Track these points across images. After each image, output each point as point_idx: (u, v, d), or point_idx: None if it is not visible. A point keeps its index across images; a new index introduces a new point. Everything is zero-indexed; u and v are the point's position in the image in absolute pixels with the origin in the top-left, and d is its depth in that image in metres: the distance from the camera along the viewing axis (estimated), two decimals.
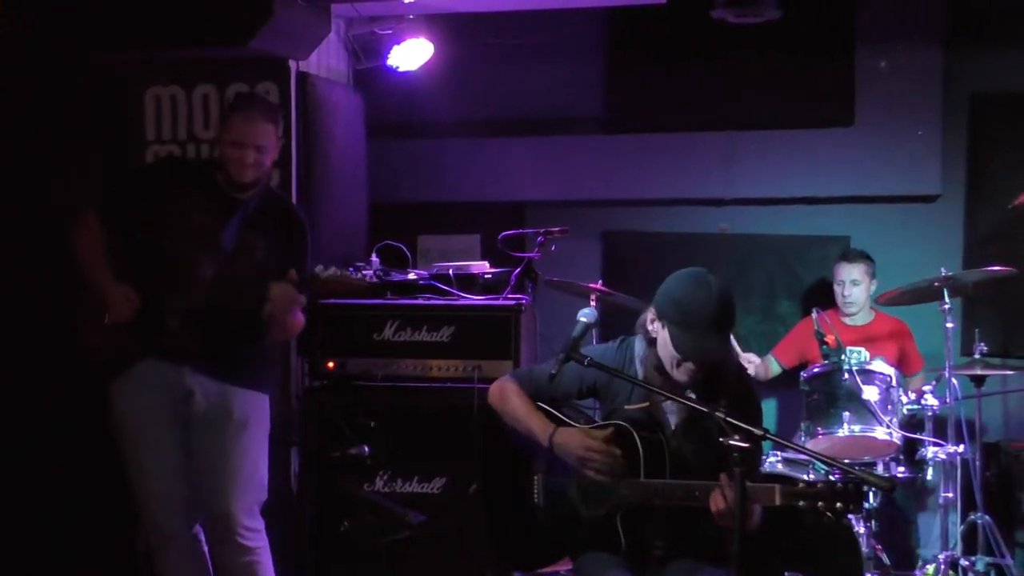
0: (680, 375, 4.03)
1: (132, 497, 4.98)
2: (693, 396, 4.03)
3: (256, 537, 5.05)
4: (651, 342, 4.11)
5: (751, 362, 6.71)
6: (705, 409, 3.62)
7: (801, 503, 3.53)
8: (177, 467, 4.95)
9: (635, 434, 4.00)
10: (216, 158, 5.02)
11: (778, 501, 3.58)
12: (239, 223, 4.99)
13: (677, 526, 4.06)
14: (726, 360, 4.13)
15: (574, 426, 4.19)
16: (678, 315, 3.96)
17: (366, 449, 5.15)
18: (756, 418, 4.08)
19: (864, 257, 6.84)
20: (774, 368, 7.03)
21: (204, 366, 4.95)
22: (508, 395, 4.32)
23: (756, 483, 3.70)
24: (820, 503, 3.50)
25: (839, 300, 6.86)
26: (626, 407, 4.14)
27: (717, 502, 3.72)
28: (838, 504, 3.48)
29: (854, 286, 6.79)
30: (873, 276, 6.83)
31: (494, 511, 4.37)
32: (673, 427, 4.12)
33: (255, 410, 5.08)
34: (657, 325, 4.05)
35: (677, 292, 4.01)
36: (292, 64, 6.12)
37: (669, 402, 4.11)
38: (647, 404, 4.12)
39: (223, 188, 4.97)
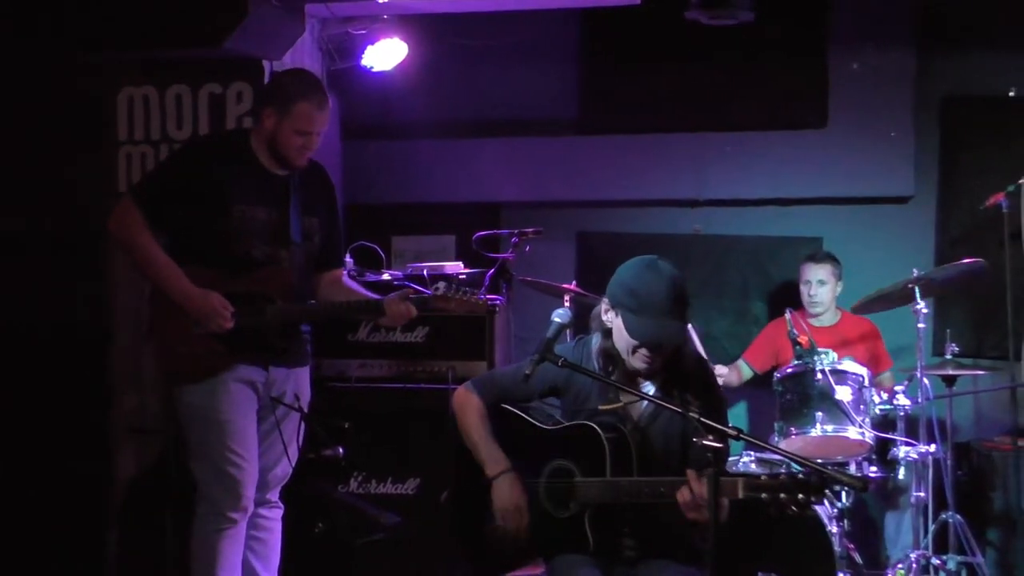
0: (636, 362, 4.03)
1: (208, 483, 4.93)
2: (661, 394, 4.04)
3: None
4: (607, 333, 4.12)
5: (719, 374, 6.67)
6: (679, 410, 3.62)
7: (764, 495, 3.53)
8: (257, 452, 5.02)
9: (602, 435, 4.01)
10: (256, 135, 4.98)
11: (741, 494, 3.58)
12: (296, 209, 5.00)
13: (646, 525, 4.06)
14: (685, 348, 4.14)
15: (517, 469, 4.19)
16: (631, 301, 3.97)
17: (340, 450, 5.13)
18: (722, 412, 4.11)
19: (831, 258, 6.91)
20: (745, 373, 7.06)
21: (283, 360, 5.05)
22: (468, 410, 4.31)
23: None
24: (783, 495, 3.50)
25: (805, 300, 6.90)
26: (600, 408, 4.14)
27: (683, 494, 3.73)
28: (800, 496, 3.48)
29: (820, 286, 6.84)
30: (839, 278, 6.87)
31: (464, 514, 4.37)
32: (636, 419, 4.13)
33: (308, 384, 5.25)
34: (611, 315, 4.06)
35: (628, 279, 4.02)
36: (266, 64, 6.04)
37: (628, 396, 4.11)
38: (621, 405, 4.12)
39: (268, 167, 4.97)
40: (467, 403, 4.33)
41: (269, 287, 4.91)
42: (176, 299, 4.82)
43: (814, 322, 6.86)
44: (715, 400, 4.12)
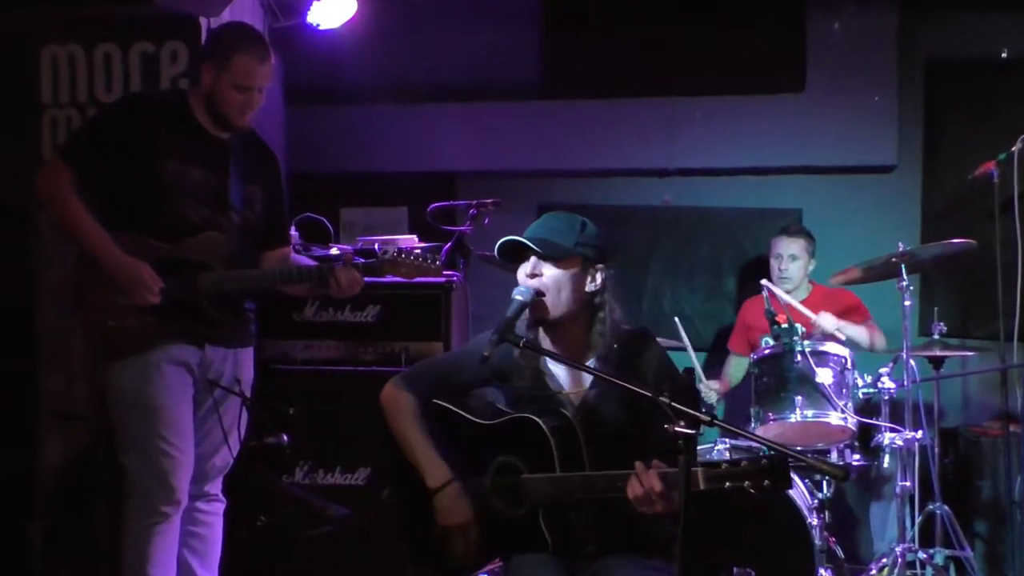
0: (535, 310, 4.00)
1: (137, 474, 4.81)
2: (612, 373, 3.95)
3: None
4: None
5: (712, 388, 6.60)
6: (648, 394, 3.54)
7: (727, 485, 3.45)
8: (193, 440, 4.92)
9: (544, 428, 3.92)
10: (194, 94, 4.90)
11: (703, 485, 3.51)
12: (236, 175, 4.94)
13: (606, 518, 3.98)
14: (607, 317, 4.07)
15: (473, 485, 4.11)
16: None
17: (284, 438, 5.07)
18: (690, 391, 4.06)
19: (805, 233, 6.87)
20: (738, 367, 6.95)
21: (223, 337, 4.97)
22: (400, 410, 4.22)
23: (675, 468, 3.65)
24: (746, 483, 3.43)
25: (774, 275, 6.83)
26: (560, 394, 4.07)
27: (634, 488, 3.65)
28: (765, 482, 3.42)
29: (792, 261, 6.79)
30: (812, 255, 6.83)
31: (409, 514, 4.29)
32: (579, 403, 4.06)
33: (250, 366, 5.18)
34: None
35: None
36: (203, 22, 5.97)
37: (568, 381, 4.10)
38: (584, 389, 4.05)
39: (208, 129, 4.89)
40: (398, 402, 4.23)
41: (206, 254, 4.83)
42: (104, 267, 4.73)
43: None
44: (676, 377, 4.09)
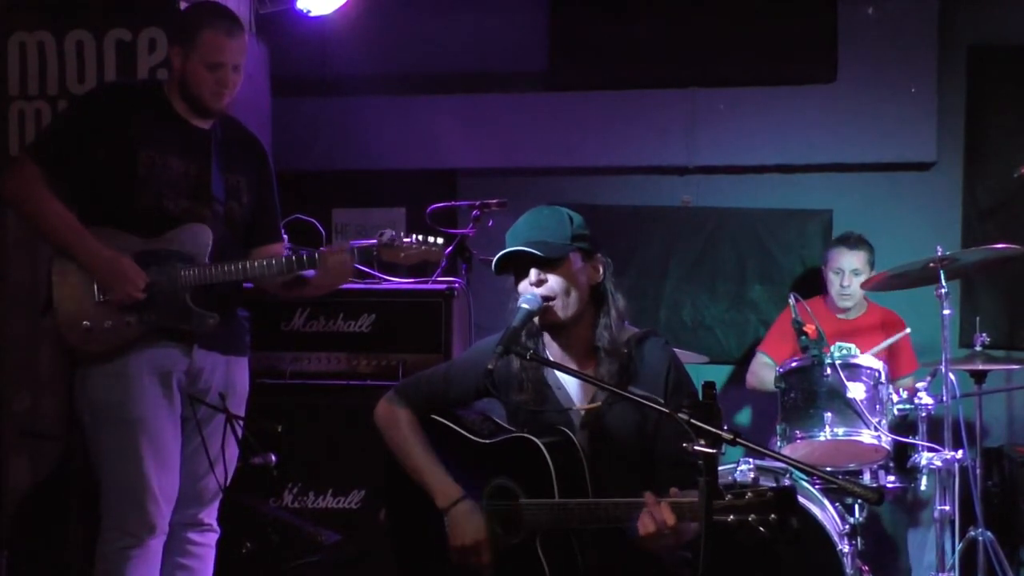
0: (544, 317, 4.03)
1: (111, 495, 4.81)
2: (640, 392, 3.94)
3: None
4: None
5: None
6: (666, 409, 3.56)
7: (731, 518, 3.48)
8: (177, 460, 4.91)
9: (542, 447, 3.95)
10: (170, 82, 4.94)
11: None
12: (218, 164, 4.95)
13: (608, 543, 4.00)
14: (602, 316, 4.12)
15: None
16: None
17: (272, 458, 5.08)
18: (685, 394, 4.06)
19: (866, 244, 6.80)
20: (769, 372, 6.89)
21: (214, 342, 4.97)
22: (399, 426, 4.31)
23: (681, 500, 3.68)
24: (751, 516, 3.46)
25: (834, 291, 6.82)
26: (579, 408, 4.11)
27: (646, 524, 3.67)
28: (771, 516, 3.44)
29: (855, 276, 6.75)
30: (873, 266, 6.78)
31: (403, 541, 4.34)
32: (583, 420, 4.10)
33: (245, 377, 5.18)
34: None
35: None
36: (183, 7, 5.99)
37: (575, 391, 4.14)
38: (597, 406, 4.08)
39: (183, 116, 4.92)
40: (396, 419, 4.32)
41: (187, 247, 4.84)
42: (82, 262, 4.74)
43: (838, 313, 6.82)
44: (689, 383, 4.11)
